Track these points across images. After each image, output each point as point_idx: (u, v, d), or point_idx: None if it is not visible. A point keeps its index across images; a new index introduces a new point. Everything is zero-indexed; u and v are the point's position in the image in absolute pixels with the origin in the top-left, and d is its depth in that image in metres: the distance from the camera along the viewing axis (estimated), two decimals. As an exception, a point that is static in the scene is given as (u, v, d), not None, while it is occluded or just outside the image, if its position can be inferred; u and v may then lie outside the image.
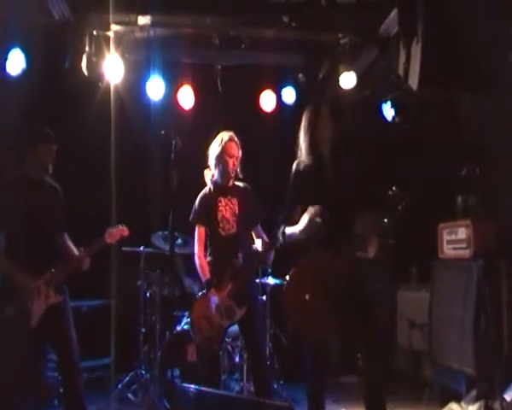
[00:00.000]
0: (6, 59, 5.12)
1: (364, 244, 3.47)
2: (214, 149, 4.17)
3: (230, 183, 4.18)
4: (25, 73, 5.21)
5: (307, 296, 3.39)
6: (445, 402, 4.45)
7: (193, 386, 4.26)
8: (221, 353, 4.83)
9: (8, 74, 5.16)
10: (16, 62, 5.15)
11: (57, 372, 4.90)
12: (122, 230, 4.09)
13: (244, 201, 4.16)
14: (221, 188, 4.19)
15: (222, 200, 4.14)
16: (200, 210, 4.19)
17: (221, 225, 4.10)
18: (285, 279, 3.74)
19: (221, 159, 4.12)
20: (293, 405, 4.96)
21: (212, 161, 4.19)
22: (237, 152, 4.15)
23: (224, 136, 4.18)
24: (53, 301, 3.73)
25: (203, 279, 4.11)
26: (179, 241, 5.09)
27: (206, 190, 4.27)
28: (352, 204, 3.48)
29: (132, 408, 4.94)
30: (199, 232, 4.18)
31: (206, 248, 4.19)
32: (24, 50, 5.17)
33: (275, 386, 5.20)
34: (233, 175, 4.15)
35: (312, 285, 3.41)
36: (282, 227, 3.61)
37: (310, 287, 3.42)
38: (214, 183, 4.23)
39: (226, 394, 4.36)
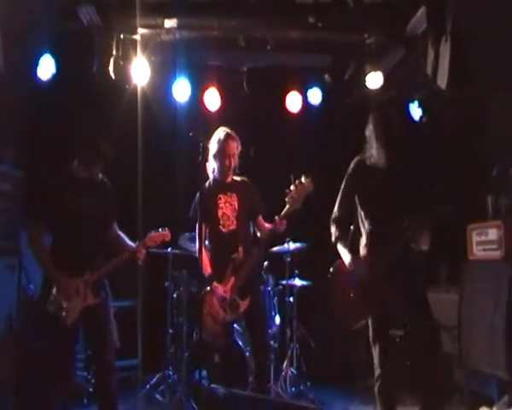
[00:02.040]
0: (37, 64, 5.23)
1: (417, 236, 3.44)
2: (212, 147, 4.25)
3: (229, 179, 4.29)
4: (55, 77, 5.30)
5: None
6: (476, 407, 4.36)
7: (221, 387, 4.29)
8: (248, 354, 4.85)
9: (39, 79, 5.27)
10: (46, 68, 5.26)
11: (87, 371, 4.98)
12: (164, 234, 4.05)
13: (243, 195, 4.26)
14: (220, 184, 4.29)
15: (222, 197, 4.24)
16: (200, 206, 4.16)
17: (221, 222, 4.22)
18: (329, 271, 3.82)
19: (219, 157, 4.23)
20: (321, 406, 4.94)
21: (210, 158, 4.27)
22: (235, 149, 4.24)
23: (221, 134, 4.26)
24: (90, 302, 3.72)
25: (205, 275, 4.18)
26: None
27: (205, 186, 4.32)
28: (404, 205, 3.48)
29: (160, 409, 4.97)
30: (199, 228, 4.14)
31: (206, 244, 4.28)
32: (54, 56, 5.27)
33: (302, 388, 5.20)
34: (231, 172, 4.26)
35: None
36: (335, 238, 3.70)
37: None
38: (214, 179, 4.32)
39: (254, 395, 4.36)
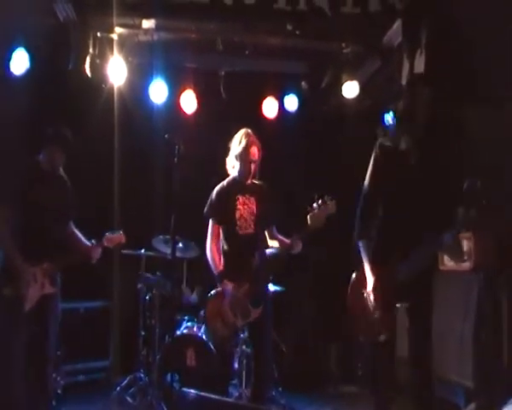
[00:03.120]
0: (10, 59, 5.13)
1: (459, 251, 3.43)
2: (236, 148, 4.14)
3: (249, 181, 4.17)
4: (28, 73, 5.21)
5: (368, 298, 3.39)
6: (443, 414, 4.47)
7: (192, 391, 4.28)
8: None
9: (11, 74, 5.17)
10: (20, 62, 5.17)
11: (56, 372, 4.91)
12: (120, 237, 4.16)
13: (262, 200, 4.13)
14: (239, 185, 4.16)
15: (240, 198, 4.11)
16: (217, 204, 4.15)
17: (239, 223, 4.07)
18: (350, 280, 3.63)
19: (242, 160, 4.11)
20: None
21: (232, 158, 4.17)
22: (257, 156, 4.14)
23: (247, 138, 4.12)
24: (47, 291, 3.82)
25: (215, 272, 4.08)
26: (180, 245, 5.10)
27: (223, 184, 4.22)
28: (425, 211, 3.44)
29: (130, 411, 4.95)
30: (213, 227, 4.15)
31: (218, 243, 4.16)
32: (28, 50, 5.18)
33: (273, 393, 5.22)
34: (252, 176, 4.16)
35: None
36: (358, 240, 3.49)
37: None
38: (233, 178, 4.20)
39: (225, 399, 4.37)
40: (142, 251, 5.27)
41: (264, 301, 4.00)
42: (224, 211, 4.09)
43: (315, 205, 3.81)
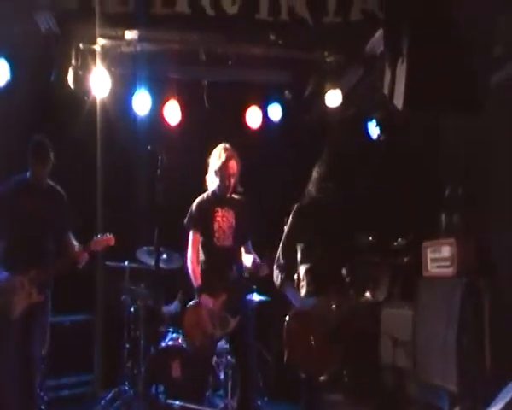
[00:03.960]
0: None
1: (373, 287, 3.51)
2: (214, 163, 4.24)
3: (228, 195, 4.26)
4: (9, 84, 5.18)
5: (311, 338, 3.45)
6: (428, 419, 4.48)
7: (177, 402, 4.26)
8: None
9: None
10: (1, 74, 5.12)
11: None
12: (108, 238, 4.20)
13: (241, 214, 4.23)
14: (218, 198, 4.26)
15: (219, 210, 4.21)
16: (197, 216, 4.24)
17: (217, 235, 4.17)
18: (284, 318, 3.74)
19: (220, 175, 4.20)
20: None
21: (211, 173, 4.26)
22: (235, 169, 4.23)
23: (224, 152, 4.23)
24: (35, 299, 3.85)
25: (195, 285, 4.16)
26: (164, 256, 5.08)
27: (203, 196, 4.32)
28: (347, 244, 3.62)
29: (115, 425, 4.89)
30: (193, 238, 4.25)
31: (198, 254, 4.24)
32: (9, 61, 5.15)
33: (259, 403, 5.20)
34: (231, 190, 4.25)
35: (312, 328, 3.49)
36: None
37: (310, 329, 3.50)
38: (212, 192, 4.29)
39: (210, 410, 4.36)
40: (126, 263, 5.26)
41: (242, 310, 4.08)
42: (204, 222, 4.19)
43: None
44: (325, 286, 3.52)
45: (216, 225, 4.16)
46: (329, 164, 3.75)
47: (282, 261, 3.77)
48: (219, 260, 4.11)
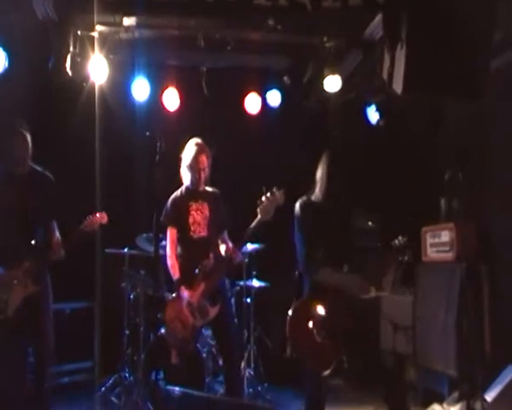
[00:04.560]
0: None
1: (379, 280, 3.49)
2: (186, 159, 4.35)
3: (201, 188, 4.36)
4: (7, 72, 5.15)
5: (314, 333, 3.41)
6: (427, 404, 4.49)
7: (177, 388, 4.27)
8: (205, 355, 4.85)
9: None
10: (-2, 61, 5.10)
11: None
12: (101, 216, 4.08)
13: (214, 206, 4.34)
14: (192, 193, 4.36)
15: (193, 204, 4.32)
16: (172, 212, 4.35)
17: (192, 228, 4.27)
18: (288, 310, 3.68)
19: (192, 169, 4.31)
20: (278, 407, 4.97)
21: (183, 169, 4.37)
22: (206, 163, 4.33)
23: (194, 148, 4.34)
24: (31, 290, 3.77)
25: (174, 278, 4.24)
26: (164, 242, 5.07)
27: (177, 193, 4.43)
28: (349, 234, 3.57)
29: (115, 411, 4.90)
30: (170, 233, 4.35)
31: (176, 249, 4.33)
32: (6, 49, 5.11)
33: (259, 388, 5.22)
34: (203, 183, 4.35)
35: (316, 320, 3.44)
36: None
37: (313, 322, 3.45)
38: (186, 187, 4.39)
39: (210, 396, 4.37)
40: (126, 250, 5.26)
41: (221, 298, 4.15)
42: (179, 218, 4.30)
43: (263, 198, 3.92)
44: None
45: (191, 219, 4.27)
46: (332, 155, 3.68)
47: (307, 254, 3.61)
48: (196, 251, 4.19)
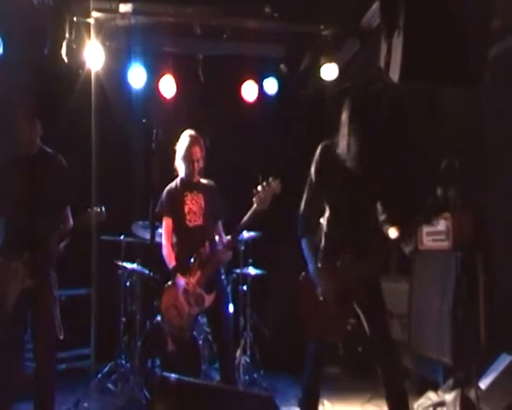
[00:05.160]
0: (-18, 44, 5.04)
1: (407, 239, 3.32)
2: (180, 151, 4.33)
3: (195, 180, 4.36)
4: (2, 57, 5.12)
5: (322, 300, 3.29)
6: (422, 391, 4.52)
7: (173, 375, 4.28)
8: (201, 343, 4.87)
9: (-16, 60, 5.08)
10: (-7, 48, 5.07)
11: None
12: (99, 213, 3.93)
13: (209, 196, 4.33)
14: (187, 184, 4.35)
15: (188, 195, 4.31)
16: (167, 203, 4.34)
17: (188, 217, 4.27)
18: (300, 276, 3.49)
19: (186, 161, 4.30)
20: (274, 395, 4.98)
21: (178, 161, 4.35)
22: (200, 154, 4.32)
23: (188, 139, 4.32)
24: (27, 284, 3.67)
25: (169, 266, 4.24)
26: (160, 230, 5.07)
27: (172, 184, 4.41)
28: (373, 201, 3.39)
29: (112, 398, 4.91)
30: (166, 223, 4.35)
31: (172, 238, 4.33)
32: (2, 34, 5.08)
33: (255, 376, 5.25)
34: (197, 174, 4.34)
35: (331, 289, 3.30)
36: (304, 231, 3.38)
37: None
38: (181, 179, 4.38)
39: (207, 383, 4.39)
40: (122, 237, 5.25)
41: (216, 285, 4.16)
42: (174, 208, 4.30)
43: (259, 187, 3.90)
44: (340, 251, 3.33)
45: (186, 208, 4.27)
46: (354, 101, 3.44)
47: (304, 211, 3.38)
48: (192, 239, 4.19)
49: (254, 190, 3.93)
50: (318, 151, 3.38)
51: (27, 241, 3.69)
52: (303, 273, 3.41)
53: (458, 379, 4.18)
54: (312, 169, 3.37)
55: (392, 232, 3.30)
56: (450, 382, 4.30)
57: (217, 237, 4.37)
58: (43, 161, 3.85)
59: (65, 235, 3.90)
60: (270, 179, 3.92)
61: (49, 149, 3.92)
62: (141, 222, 5.23)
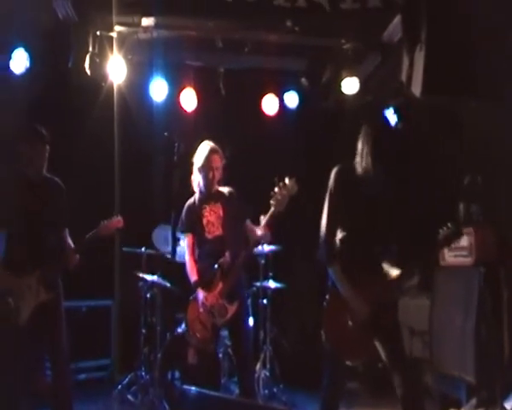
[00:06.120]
0: (10, 58, 5.14)
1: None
2: (198, 160, 4.31)
3: (214, 190, 4.33)
4: (28, 72, 5.22)
5: (349, 321, 3.26)
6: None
7: (193, 388, 4.27)
8: (221, 356, 4.87)
9: (11, 73, 5.17)
10: (20, 61, 5.17)
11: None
12: (117, 221, 4.04)
13: (228, 204, 4.30)
14: (205, 196, 4.34)
15: (207, 207, 4.30)
16: (186, 220, 4.35)
17: (207, 229, 4.27)
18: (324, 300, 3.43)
19: (204, 170, 4.27)
20: (293, 409, 4.96)
21: (196, 171, 4.33)
22: (219, 163, 4.30)
23: (206, 148, 4.30)
24: (43, 298, 3.72)
25: (192, 281, 4.24)
26: (181, 242, 5.09)
27: (191, 200, 4.41)
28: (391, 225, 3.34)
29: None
30: (188, 240, 4.36)
31: (194, 253, 4.33)
32: (28, 50, 5.18)
33: (275, 390, 5.22)
34: (215, 184, 4.32)
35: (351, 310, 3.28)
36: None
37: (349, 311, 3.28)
38: (199, 191, 4.37)
39: (226, 396, 4.37)
40: (143, 249, 5.28)
41: (238, 295, 4.15)
42: (194, 223, 4.30)
43: (276, 189, 3.89)
44: (363, 272, 3.31)
45: (205, 221, 4.27)
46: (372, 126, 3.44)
47: (326, 236, 3.33)
48: (212, 250, 4.20)
49: (271, 193, 3.91)
50: (334, 174, 3.36)
51: (39, 257, 3.75)
52: (327, 296, 3.37)
53: (482, 398, 4.12)
54: (330, 192, 3.35)
55: (393, 271, 3.29)
56: (474, 401, 4.23)
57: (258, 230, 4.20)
58: (47, 184, 3.95)
59: (72, 255, 3.91)
60: (287, 180, 3.91)
61: (48, 175, 3.99)
62: (162, 225, 5.24)
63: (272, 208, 3.92)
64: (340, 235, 3.34)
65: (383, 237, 3.33)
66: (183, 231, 4.38)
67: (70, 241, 4.02)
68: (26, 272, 3.71)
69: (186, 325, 4.26)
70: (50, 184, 3.98)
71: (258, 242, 4.23)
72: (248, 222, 4.30)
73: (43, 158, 3.89)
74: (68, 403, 3.85)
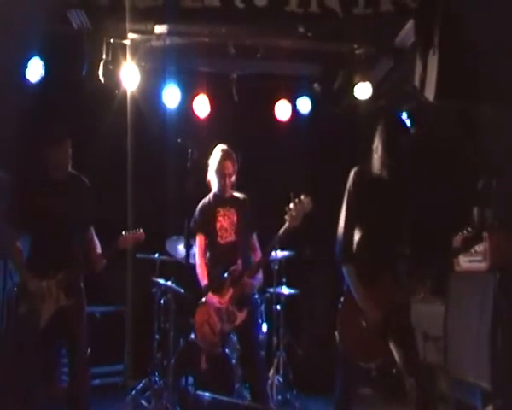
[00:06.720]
0: (26, 67, 5.21)
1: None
2: (212, 165, 4.38)
3: (228, 194, 4.38)
4: (43, 80, 5.28)
5: (363, 323, 3.26)
6: (459, 416, 4.42)
7: (206, 394, 4.30)
8: (234, 361, 4.86)
9: (27, 81, 5.24)
10: (35, 70, 5.25)
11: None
12: (138, 235, 4.05)
13: (242, 211, 4.35)
14: (220, 199, 4.39)
15: (220, 210, 4.34)
16: (200, 219, 4.39)
17: (220, 234, 4.31)
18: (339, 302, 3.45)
19: (218, 175, 4.34)
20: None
21: (211, 175, 4.40)
22: (232, 169, 4.36)
23: (220, 154, 4.36)
24: (62, 303, 3.71)
25: (202, 284, 4.28)
26: (194, 249, 5.10)
27: (205, 200, 4.46)
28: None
29: (146, 415, 4.95)
30: (199, 240, 4.40)
31: (205, 256, 4.37)
32: (43, 58, 5.25)
33: (288, 396, 5.21)
34: (229, 189, 4.37)
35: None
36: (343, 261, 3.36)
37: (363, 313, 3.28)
38: (214, 194, 4.43)
39: (240, 402, 4.38)
40: (156, 255, 5.30)
41: (248, 303, 4.19)
42: (207, 224, 4.34)
43: (291, 205, 3.92)
44: (378, 274, 3.31)
45: (218, 225, 4.30)
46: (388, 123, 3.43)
47: (344, 237, 3.33)
48: (224, 256, 4.23)
49: (286, 208, 3.95)
50: (352, 176, 3.37)
51: (61, 261, 3.76)
52: (342, 298, 3.37)
53: (498, 405, 4.06)
54: (348, 193, 3.35)
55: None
56: (490, 408, 4.18)
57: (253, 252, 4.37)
58: (69, 182, 3.95)
59: (99, 258, 3.94)
60: (302, 197, 3.94)
61: (74, 171, 4.01)
62: (175, 237, 5.27)
63: (287, 223, 3.94)
64: (356, 236, 3.35)
65: (399, 238, 3.35)
66: (195, 231, 4.38)
67: (96, 240, 4.03)
68: (48, 275, 3.72)
69: (194, 328, 4.28)
70: (76, 181, 3.99)
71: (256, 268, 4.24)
72: (253, 237, 4.36)
73: (66, 154, 3.89)
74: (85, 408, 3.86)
